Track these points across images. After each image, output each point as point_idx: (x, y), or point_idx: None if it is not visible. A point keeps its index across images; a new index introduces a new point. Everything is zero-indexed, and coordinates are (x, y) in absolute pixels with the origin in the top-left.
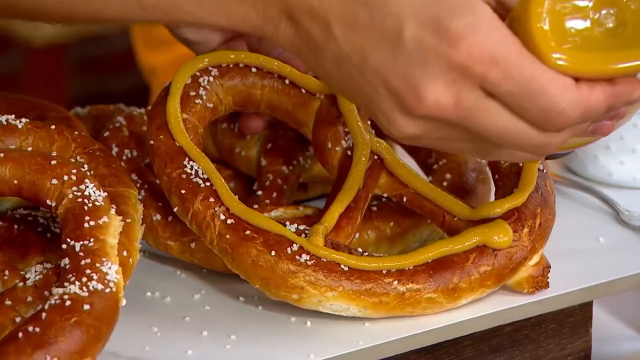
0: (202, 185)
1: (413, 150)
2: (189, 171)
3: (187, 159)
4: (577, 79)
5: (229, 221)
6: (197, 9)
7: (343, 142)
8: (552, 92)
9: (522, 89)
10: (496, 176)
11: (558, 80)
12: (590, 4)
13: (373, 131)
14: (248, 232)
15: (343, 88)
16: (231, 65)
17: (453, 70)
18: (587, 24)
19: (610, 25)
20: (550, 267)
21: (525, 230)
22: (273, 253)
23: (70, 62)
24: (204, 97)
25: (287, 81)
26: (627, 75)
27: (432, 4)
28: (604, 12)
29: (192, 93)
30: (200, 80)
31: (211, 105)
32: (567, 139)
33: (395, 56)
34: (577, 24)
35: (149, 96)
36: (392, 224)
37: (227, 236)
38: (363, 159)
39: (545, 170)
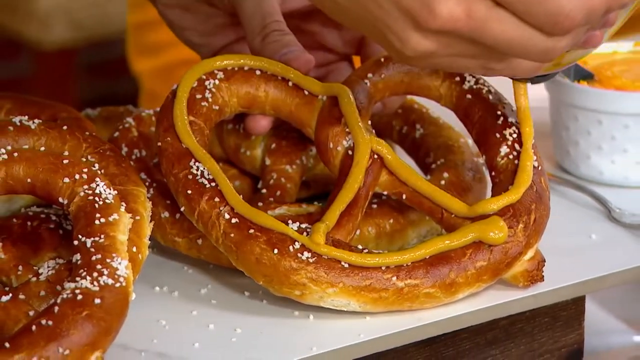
0: (208, 185)
1: (412, 150)
2: (195, 172)
3: (193, 160)
4: None
5: (233, 220)
6: None
7: (344, 142)
8: None
9: None
10: (493, 173)
11: None
12: None
13: (373, 131)
14: (252, 230)
15: (353, 17)
16: (236, 69)
17: None
18: None
19: None
20: (545, 261)
21: (520, 226)
22: (276, 251)
23: (79, 66)
24: (210, 100)
25: (290, 83)
26: None
27: None
28: None
29: (199, 96)
30: (206, 83)
31: (217, 107)
32: (569, 45)
33: None
34: None
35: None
36: (391, 220)
37: (232, 235)
38: (364, 158)
39: (540, 167)
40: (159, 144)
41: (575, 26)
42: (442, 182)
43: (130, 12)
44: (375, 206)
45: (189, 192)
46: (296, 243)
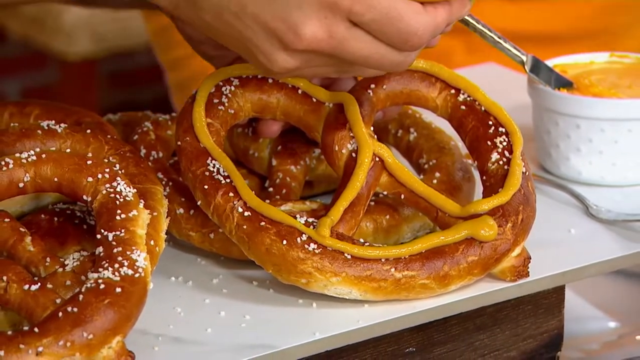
0: (223, 181)
1: (406, 152)
2: (211, 169)
3: (210, 158)
4: (422, 3)
5: (246, 214)
6: None
7: (349, 146)
8: (407, 17)
9: (382, 17)
10: (484, 177)
11: (410, 5)
12: None
13: (375, 136)
14: (263, 223)
15: (224, 37)
16: (250, 77)
17: (324, 8)
18: None
19: None
20: (530, 258)
21: (509, 225)
22: (284, 242)
23: (101, 75)
24: (226, 104)
25: (299, 91)
26: None
27: None
28: None
29: (216, 100)
30: (223, 89)
31: (232, 111)
32: (418, 54)
33: (271, 2)
34: None
35: (171, 100)
36: (387, 216)
37: (244, 227)
38: (366, 160)
39: (527, 173)
40: (179, 143)
41: (424, 43)
42: (434, 181)
43: (147, 22)
44: (372, 203)
45: (206, 187)
46: (303, 235)
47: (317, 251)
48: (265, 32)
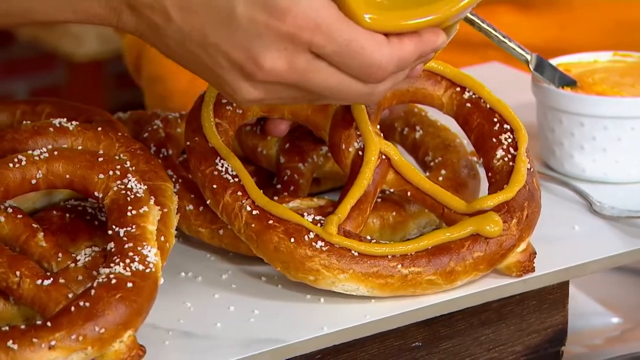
0: (232, 180)
1: (412, 149)
2: (220, 168)
3: (218, 158)
4: (388, 35)
5: (254, 212)
6: (47, 8)
7: (355, 144)
8: (370, 49)
9: (343, 49)
10: (489, 174)
11: (373, 37)
12: None
13: (382, 134)
14: (271, 221)
15: (190, 65)
16: None
17: (284, 39)
18: None
19: None
20: (535, 254)
21: (514, 221)
22: (292, 240)
23: (108, 76)
24: (234, 105)
25: None
26: (428, 27)
27: None
28: None
29: (224, 101)
30: None
31: (240, 112)
32: (390, 87)
33: (232, 32)
34: None
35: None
36: (394, 213)
37: (253, 225)
38: (373, 158)
39: (532, 169)
40: (188, 143)
41: (389, 75)
42: (440, 178)
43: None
44: (379, 200)
45: (215, 186)
46: (311, 233)
47: (324, 249)
48: (228, 62)
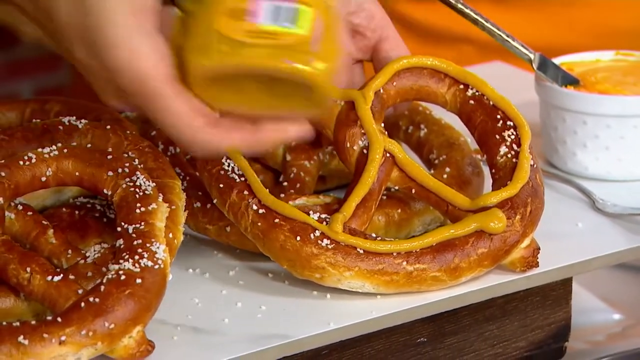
0: (238, 180)
1: (417, 148)
2: (226, 168)
3: (225, 157)
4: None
5: (260, 211)
6: None
7: (360, 142)
8: (185, 137)
9: (163, 128)
10: (493, 170)
11: (190, 120)
12: None
13: (386, 132)
14: (277, 220)
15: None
16: None
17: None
18: None
19: None
20: (539, 249)
21: (518, 217)
22: (298, 238)
23: None
24: None
25: None
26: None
27: None
28: None
29: None
30: None
31: None
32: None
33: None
34: None
35: None
36: (399, 210)
37: (259, 224)
38: (377, 156)
39: (535, 165)
40: None
41: (206, 153)
42: (445, 176)
43: None
44: (384, 198)
45: (221, 186)
46: (317, 231)
47: (330, 246)
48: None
